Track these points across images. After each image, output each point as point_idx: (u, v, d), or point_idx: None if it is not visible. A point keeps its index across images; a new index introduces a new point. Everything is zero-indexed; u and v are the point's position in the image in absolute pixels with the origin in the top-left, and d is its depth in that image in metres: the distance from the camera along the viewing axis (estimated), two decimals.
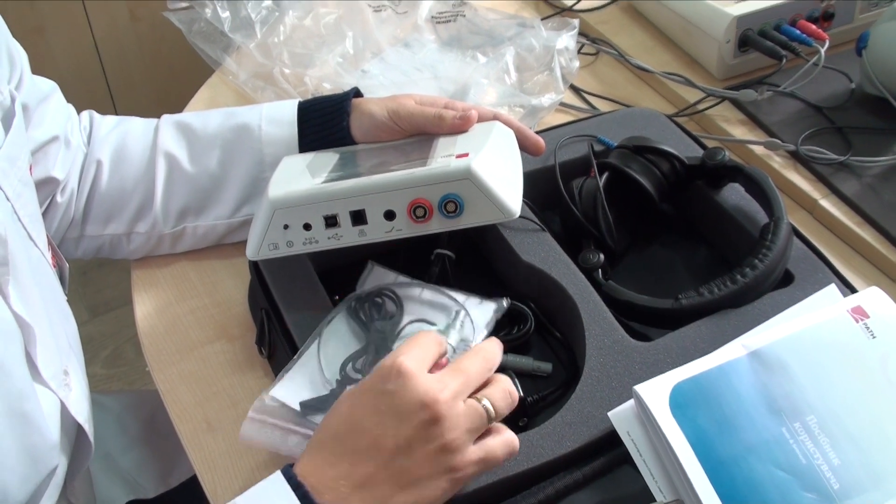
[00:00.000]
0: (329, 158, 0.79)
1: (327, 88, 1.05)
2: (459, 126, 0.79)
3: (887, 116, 1.02)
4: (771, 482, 0.67)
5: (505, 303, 0.76)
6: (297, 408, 0.68)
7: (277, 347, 0.77)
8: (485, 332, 0.73)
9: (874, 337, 0.74)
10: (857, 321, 0.75)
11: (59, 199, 0.84)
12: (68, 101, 0.87)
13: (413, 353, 0.59)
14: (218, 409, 0.78)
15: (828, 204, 0.96)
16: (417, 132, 0.81)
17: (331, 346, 0.70)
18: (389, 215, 0.72)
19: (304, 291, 0.78)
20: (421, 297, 0.74)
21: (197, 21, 1.17)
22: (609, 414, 0.69)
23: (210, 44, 1.15)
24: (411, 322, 0.72)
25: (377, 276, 0.76)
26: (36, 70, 0.83)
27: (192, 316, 0.86)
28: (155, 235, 0.87)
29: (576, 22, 1.06)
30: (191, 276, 0.89)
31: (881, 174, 0.98)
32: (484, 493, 0.66)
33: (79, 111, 0.89)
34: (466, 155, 0.72)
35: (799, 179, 0.98)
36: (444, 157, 0.73)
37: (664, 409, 0.68)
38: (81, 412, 0.74)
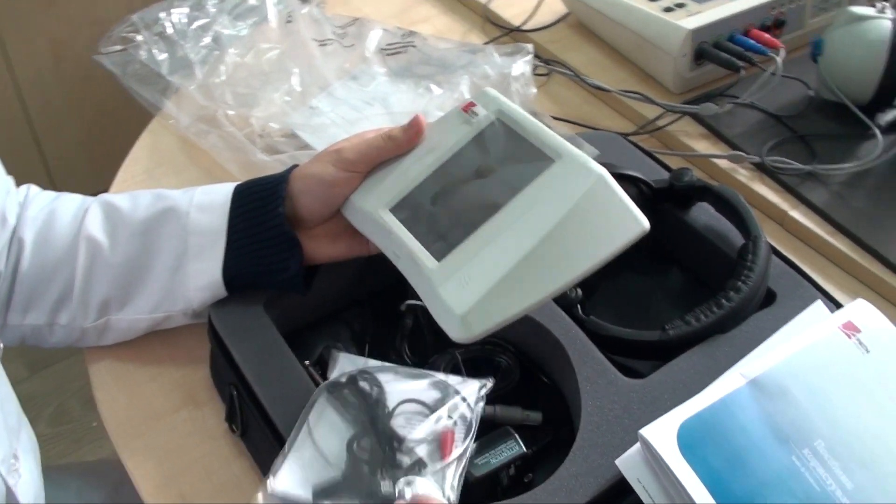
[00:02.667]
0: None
1: (274, 128, 1.00)
2: (413, 137, 0.75)
3: (847, 122, 1.01)
4: None
5: (490, 383, 0.71)
6: (307, 496, 0.63)
7: (251, 425, 0.72)
8: (479, 410, 0.69)
9: (868, 351, 0.73)
10: (850, 337, 0.73)
11: None
12: None
13: None
14: (192, 482, 0.73)
15: (798, 214, 0.94)
16: (373, 165, 0.76)
17: (323, 430, 0.66)
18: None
19: (273, 361, 0.73)
20: (398, 378, 0.70)
21: (131, 63, 1.11)
22: (617, 462, 0.66)
23: (147, 87, 1.09)
24: (402, 402, 0.68)
25: (346, 362, 0.72)
26: None
27: (155, 383, 0.80)
28: (77, 328, 0.79)
29: (530, 47, 1.03)
30: (148, 335, 0.83)
31: (847, 181, 0.97)
32: None
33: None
34: None
35: (766, 191, 0.96)
36: None
37: (674, 451, 0.65)
38: (32, 497, 0.68)
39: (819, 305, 0.77)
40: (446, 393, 0.68)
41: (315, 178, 0.75)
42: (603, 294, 0.85)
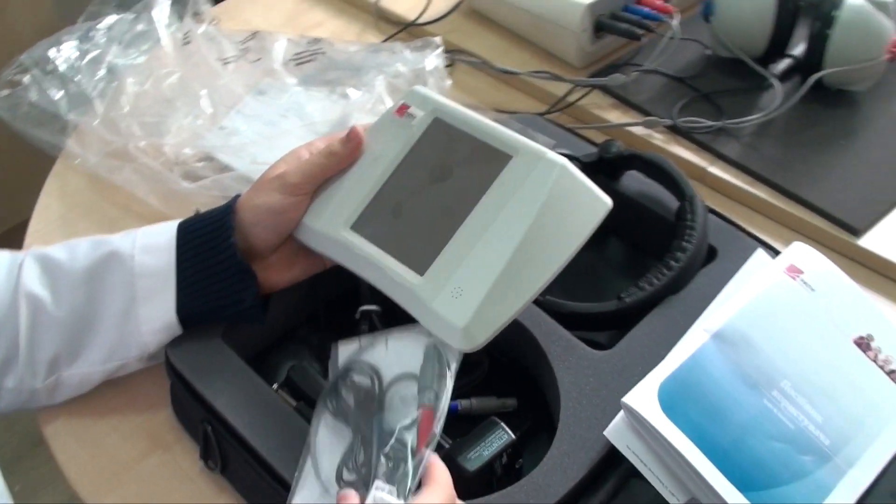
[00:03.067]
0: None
1: (189, 154, 0.98)
2: (354, 149, 0.74)
3: (746, 76, 1.05)
4: (771, 455, 0.68)
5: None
6: None
7: (231, 458, 0.71)
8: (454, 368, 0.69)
9: (814, 290, 0.76)
10: (795, 279, 0.77)
11: None
12: None
13: None
14: None
15: (716, 170, 0.98)
16: (318, 184, 0.75)
17: (325, 456, 0.65)
18: None
19: (243, 390, 0.72)
20: (391, 351, 0.69)
21: (20, 105, 1.06)
22: (605, 433, 0.68)
23: (43, 129, 1.04)
24: (395, 381, 0.67)
25: (346, 352, 0.71)
26: None
27: (116, 433, 0.78)
28: (26, 390, 0.75)
29: (438, 40, 1.04)
30: (100, 384, 0.80)
31: (756, 132, 1.01)
32: None
33: None
34: None
35: (683, 151, 1.00)
36: None
37: (658, 414, 0.67)
38: None
39: (760, 254, 0.80)
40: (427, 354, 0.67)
41: (263, 208, 0.73)
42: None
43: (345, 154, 0.74)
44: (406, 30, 1.19)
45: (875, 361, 0.75)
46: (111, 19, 1.11)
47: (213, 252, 0.74)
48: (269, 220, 0.74)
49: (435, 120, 0.73)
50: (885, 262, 0.89)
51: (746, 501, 0.65)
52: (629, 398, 0.67)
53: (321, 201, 0.74)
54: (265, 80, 1.05)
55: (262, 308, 0.75)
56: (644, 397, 0.67)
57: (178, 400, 0.77)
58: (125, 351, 0.75)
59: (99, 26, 1.09)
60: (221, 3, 1.25)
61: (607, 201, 0.67)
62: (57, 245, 0.78)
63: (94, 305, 0.74)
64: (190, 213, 0.92)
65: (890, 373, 0.75)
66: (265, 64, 1.02)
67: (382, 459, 0.62)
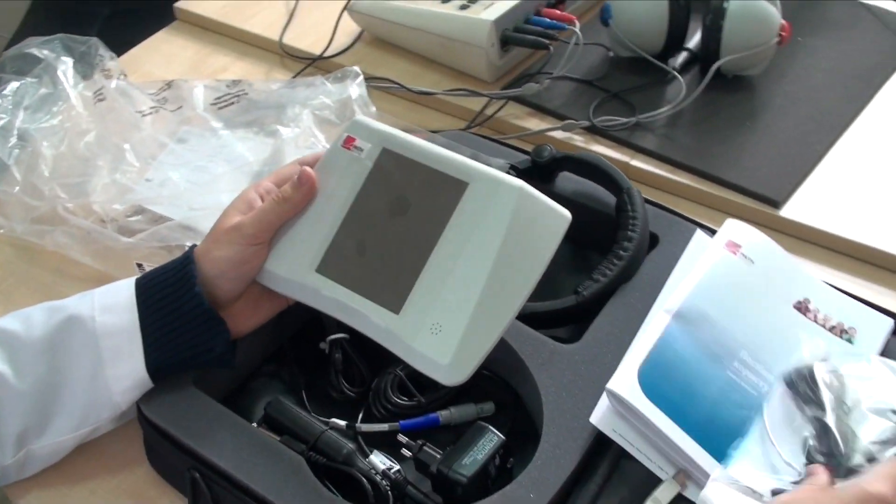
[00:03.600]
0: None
1: (119, 210, 0.96)
2: (307, 193, 0.73)
3: (649, 72, 1.11)
4: (741, 423, 0.72)
5: None
6: (765, 493, 0.65)
7: (225, 502, 0.70)
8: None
9: (753, 262, 0.81)
10: (735, 254, 0.81)
11: None
12: None
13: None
14: None
15: (638, 162, 1.02)
16: (275, 231, 0.74)
17: (777, 424, 0.68)
18: None
19: (226, 431, 0.72)
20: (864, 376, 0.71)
21: None
22: (591, 420, 0.70)
23: None
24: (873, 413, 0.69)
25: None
26: None
27: (95, 497, 0.76)
28: None
29: (357, 69, 1.05)
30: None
31: (668, 123, 1.06)
32: None
33: None
34: None
35: (604, 149, 1.04)
36: None
37: (640, 397, 0.70)
38: None
39: (700, 234, 0.85)
40: None
41: (223, 260, 0.73)
42: None
43: (298, 199, 0.74)
44: (314, 64, 1.20)
45: (816, 321, 0.80)
46: (14, 85, 1.08)
47: (178, 303, 0.73)
48: (230, 272, 0.74)
49: (383, 151, 0.73)
50: (807, 229, 0.95)
51: (724, 468, 0.69)
52: (613, 385, 0.70)
53: (282, 245, 0.74)
54: (183, 127, 1.04)
55: (232, 352, 0.75)
56: (626, 382, 0.70)
57: (157, 453, 0.76)
58: (96, 414, 0.74)
59: (3, 93, 1.07)
60: (121, 58, 1.23)
61: (566, 214, 0.69)
62: (6, 317, 0.76)
63: (59, 373, 0.72)
64: (130, 269, 0.92)
65: (831, 329, 0.80)
66: (186, 111, 1.01)
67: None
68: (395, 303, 0.68)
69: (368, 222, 0.72)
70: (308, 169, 0.75)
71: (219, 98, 1.01)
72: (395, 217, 0.71)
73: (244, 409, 0.79)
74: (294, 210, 0.74)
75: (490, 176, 0.68)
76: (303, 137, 0.94)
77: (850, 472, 0.66)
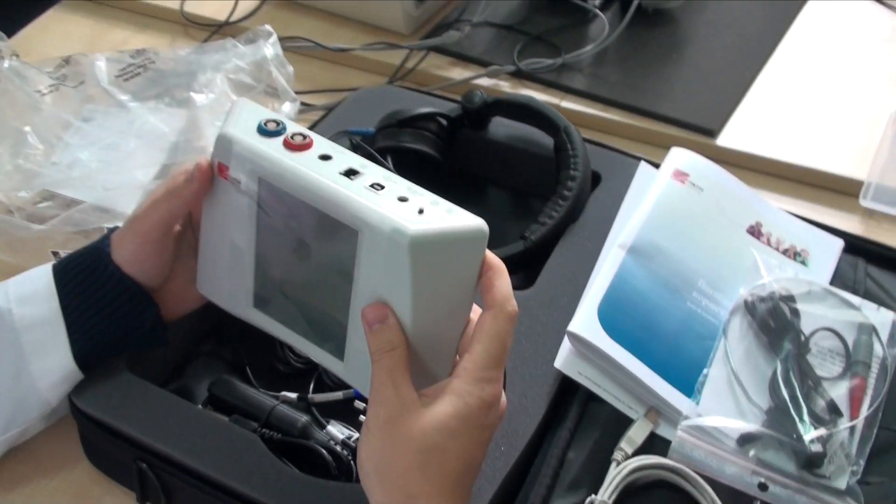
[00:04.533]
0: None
1: (25, 197, 0.90)
2: (199, 188, 0.63)
3: (569, 12, 1.08)
4: (705, 353, 0.70)
5: None
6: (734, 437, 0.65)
7: (178, 490, 0.65)
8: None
9: (702, 190, 0.79)
10: (683, 183, 0.79)
11: None
12: None
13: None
14: None
15: (569, 104, 1.00)
16: (173, 225, 0.66)
17: (739, 355, 0.67)
18: None
19: (169, 415, 0.66)
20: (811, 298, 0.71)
21: None
22: (556, 365, 0.68)
23: None
24: (817, 331, 0.69)
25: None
26: None
27: (33, 502, 0.70)
28: None
29: (269, 27, 1.00)
30: None
31: (595, 61, 1.04)
32: (500, 495, 0.62)
33: None
34: None
35: (533, 93, 1.00)
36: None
37: (603, 336, 0.67)
38: None
39: (645, 166, 0.82)
40: (861, 328, 0.70)
41: (132, 253, 0.66)
42: None
43: (187, 195, 0.64)
44: (219, 31, 1.14)
45: (769, 245, 0.79)
46: None
47: (98, 283, 0.67)
48: (133, 268, 0.67)
49: (261, 182, 0.58)
50: (745, 156, 0.93)
51: (693, 404, 0.67)
52: (574, 326, 0.67)
53: (210, 274, 0.66)
54: (87, 105, 0.97)
55: (163, 329, 0.70)
56: (587, 323, 0.68)
57: (96, 447, 0.70)
58: (24, 414, 0.68)
59: None
60: (13, 38, 1.15)
61: (481, 227, 0.56)
62: None
63: None
64: (45, 259, 0.85)
65: (784, 252, 0.78)
66: (89, 88, 0.94)
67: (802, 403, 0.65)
68: (336, 350, 0.59)
69: (279, 264, 0.61)
70: (201, 161, 0.62)
71: (123, 70, 0.95)
72: (303, 261, 0.60)
73: (186, 392, 0.74)
74: (185, 206, 0.65)
75: (377, 227, 0.53)
76: (219, 103, 0.89)
77: (812, 413, 0.66)
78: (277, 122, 0.58)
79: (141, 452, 0.65)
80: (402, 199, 0.54)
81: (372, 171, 0.56)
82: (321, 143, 0.57)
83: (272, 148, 0.57)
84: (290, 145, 0.57)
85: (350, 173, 0.55)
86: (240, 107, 0.61)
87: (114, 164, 0.90)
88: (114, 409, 0.67)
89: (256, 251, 0.61)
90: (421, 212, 0.53)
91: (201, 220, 0.65)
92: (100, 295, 0.67)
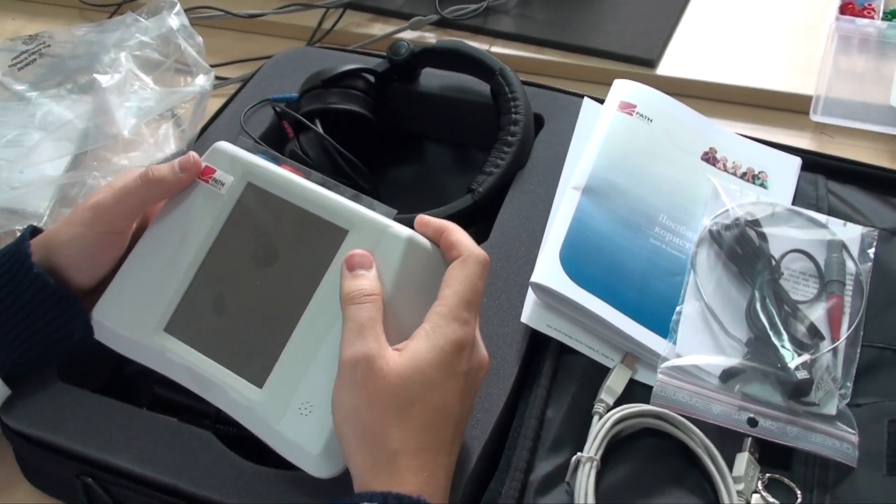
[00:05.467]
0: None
1: None
2: (188, 178, 0.60)
3: None
4: (676, 290, 0.66)
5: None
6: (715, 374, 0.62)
7: (128, 500, 0.60)
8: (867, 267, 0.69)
9: (651, 120, 0.76)
10: (632, 114, 0.75)
11: None
12: None
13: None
14: None
15: (499, 48, 0.95)
16: (138, 216, 0.62)
17: (711, 287, 0.64)
18: None
19: (112, 422, 0.61)
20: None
21: None
22: (522, 320, 0.63)
23: None
24: (788, 253, 0.67)
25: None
26: None
27: None
28: None
29: None
30: None
31: (520, 1, 0.99)
32: (482, 461, 0.58)
33: None
34: None
35: None
36: None
37: (569, 284, 0.63)
38: None
39: (590, 102, 0.78)
40: (830, 245, 0.67)
41: (74, 246, 0.60)
42: (385, 195, 0.81)
43: (173, 183, 0.60)
44: (119, 8, 1.07)
45: (726, 170, 0.75)
46: None
47: (17, 291, 0.61)
48: (80, 262, 0.61)
49: (248, 186, 0.59)
50: (687, 83, 0.90)
51: (670, 344, 0.63)
52: (537, 277, 0.63)
53: (122, 294, 0.60)
54: None
55: (93, 334, 0.63)
56: (550, 272, 0.64)
57: (34, 467, 0.64)
58: None
59: None
60: None
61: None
62: None
63: None
64: None
65: (742, 176, 0.75)
66: None
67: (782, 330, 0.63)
68: (257, 374, 0.55)
69: (229, 273, 0.58)
70: (195, 154, 0.61)
71: (16, 59, 0.87)
72: (261, 268, 0.58)
73: (127, 395, 0.67)
74: (165, 195, 0.61)
75: (374, 223, 0.55)
76: (126, 83, 0.82)
77: (793, 340, 0.63)
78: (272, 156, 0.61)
79: (84, 466, 0.60)
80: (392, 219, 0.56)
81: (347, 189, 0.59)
82: (307, 173, 0.60)
83: (267, 162, 0.60)
84: (284, 167, 0.60)
85: (330, 186, 0.58)
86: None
87: (18, 161, 0.82)
88: (49, 422, 0.61)
89: (204, 260, 0.59)
90: None
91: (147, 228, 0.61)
92: (19, 305, 0.61)
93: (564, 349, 0.64)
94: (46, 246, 0.61)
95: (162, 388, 0.66)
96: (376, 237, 0.55)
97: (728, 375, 0.62)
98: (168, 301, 0.58)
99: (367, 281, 0.53)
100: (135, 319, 0.59)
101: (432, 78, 0.84)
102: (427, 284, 0.55)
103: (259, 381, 0.55)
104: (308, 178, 0.59)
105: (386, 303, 0.53)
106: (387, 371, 0.49)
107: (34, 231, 0.63)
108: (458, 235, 0.55)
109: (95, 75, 0.82)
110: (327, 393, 0.52)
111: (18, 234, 0.77)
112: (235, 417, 0.57)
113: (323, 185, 0.58)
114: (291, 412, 0.53)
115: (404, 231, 0.55)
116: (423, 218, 0.56)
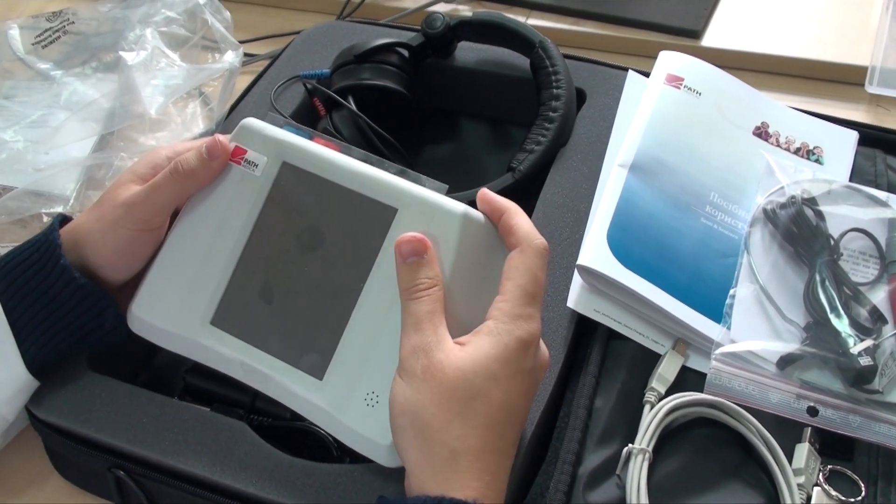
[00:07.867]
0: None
1: None
2: (218, 166, 0.57)
3: None
4: (729, 272, 0.63)
5: None
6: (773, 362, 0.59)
7: (162, 494, 0.58)
8: None
9: (700, 94, 0.72)
10: (679, 88, 0.72)
11: None
12: None
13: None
14: None
15: (537, 20, 0.92)
16: (170, 212, 0.59)
17: (766, 276, 0.61)
18: None
19: (143, 413, 0.58)
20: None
21: None
22: (569, 304, 0.60)
23: None
24: (847, 232, 0.63)
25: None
26: None
27: None
28: None
29: None
30: None
31: None
32: (527, 453, 0.56)
33: None
34: None
35: None
36: None
37: (617, 266, 0.60)
38: None
39: (634, 76, 0.75)
40: (891, 224, 0.64)
41: (106, 246, 0.58)
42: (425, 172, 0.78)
43: (203, 174, 0.57)
44: None
45: (779, 146, 0.72)
46: None
47: (47, 283, 0.58)
48: (116, 261, 0.59)
49: (284, 165, 0.56)
50: (735, 55, 0.87)
51: (724, 329, 0.60)
52: (584, 259, 0.60)
53: (160, 288, 0.58)
54: (6, 82, 0.87)
55: (124, 325, 0.61)
56: (597, 254, 0.61)
57: (65, 459, 0.62)
58: None
59: None
60: None
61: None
62: None
63: None
64: None
65: (796, 151, 0.72)
66: (4, 61, 0.84)
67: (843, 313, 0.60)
68: (316, 366, 0.53)
69: (273, 261, 0.56)
70: (221, 137, 0.58)
71: (40, 37, 0.85)
72: (307, 253, 0.55)
73: (158, 385, 0.66)
74: (198, 187, 0.58)
75: (425, 199, 0.52)
76: (152, 60, 0.79)
77: (855, 324, 0.59)
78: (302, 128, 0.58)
79: (116, 459, 0.58)
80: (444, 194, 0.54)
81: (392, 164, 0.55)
82: (345, 148, 0.56)
83: (301, 138, 0.56)
84: (318, 141, 0.57)
85: (374, 162, 0.55)
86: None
87: (43, 142, 0.80)
88: (79, 414, 0.59)
89: (245, 248, 0.56)
90: None
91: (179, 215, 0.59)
92: (51, 295, 0.58)
93: (613, 335, 0.61)
94: (76, 240, 0.59)
95: (193, 376, 0.63)
96: (429, 215, 0.52)
97: (786, 362, 0.59)
98: (211, 292, 0.56)
99: (423, 270, 0.50)
100: (177, 314, 0.57)
101: (468, 52, 0.81)
102: (486, 263, 0.52)
103: (318, 372, 0.53)
104: (348, 153, 0.56)
105: (445, 288, 0.50)
106: (447, 364, 0.47)
107: (63, 220, 0.61)
108: (519, 219, 0.52)
109: (121, 52, 0.80)
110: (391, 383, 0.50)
111: (45, 217, 0.75)
112: (296, 410, 0.54)
113: (365, 160, 0.55)
114: (356, 403, 0.51)
115: (458, 206, 0.52)
116: (486, 193, 0.53)
